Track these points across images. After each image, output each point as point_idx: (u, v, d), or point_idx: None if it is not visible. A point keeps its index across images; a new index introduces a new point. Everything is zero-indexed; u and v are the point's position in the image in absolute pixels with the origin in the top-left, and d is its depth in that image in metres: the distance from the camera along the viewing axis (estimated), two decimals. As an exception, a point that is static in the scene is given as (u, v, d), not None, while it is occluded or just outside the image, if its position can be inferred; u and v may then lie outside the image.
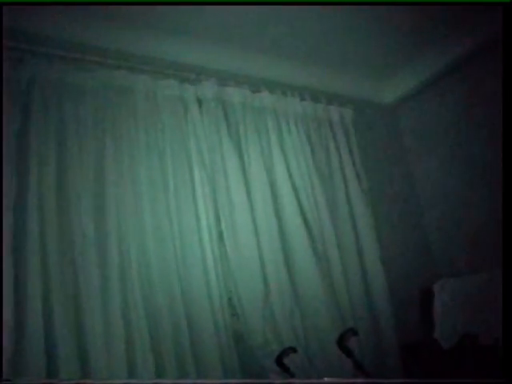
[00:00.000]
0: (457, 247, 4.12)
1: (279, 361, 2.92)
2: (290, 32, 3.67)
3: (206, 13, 3.33)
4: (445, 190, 4.26)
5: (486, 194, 3.95)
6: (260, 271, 3.21)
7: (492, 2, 2.73)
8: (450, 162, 4.23)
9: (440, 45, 4.13)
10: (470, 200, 4.06)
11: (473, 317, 3.44)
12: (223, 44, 3.62)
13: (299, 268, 3.38)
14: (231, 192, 3.31)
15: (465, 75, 4.17)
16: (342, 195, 3.82)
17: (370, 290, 3.67)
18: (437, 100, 4.37)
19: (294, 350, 3.00)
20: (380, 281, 3.71)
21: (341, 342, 3.06)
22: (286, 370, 2.91)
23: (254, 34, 3.61)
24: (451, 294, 3.60)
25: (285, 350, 2.97)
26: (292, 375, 2.88)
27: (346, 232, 3.74)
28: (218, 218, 3.21)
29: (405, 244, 4.19)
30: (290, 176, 3.59)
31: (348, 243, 3.70)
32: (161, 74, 3.29)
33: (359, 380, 2.99)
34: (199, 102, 3.40)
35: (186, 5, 3.07)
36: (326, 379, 2.87)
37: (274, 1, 2.99)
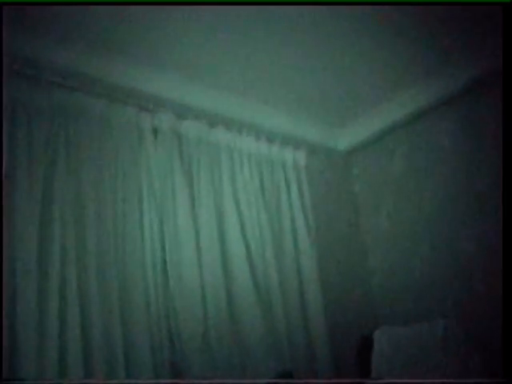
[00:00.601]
0: (399, 296, 4.16)
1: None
2: (251, 71, 3.73)
3: (171, 44, 3.35)
4: (390, 239, 4.33)
5: (429, 245, 4.04)
6: (201, 305, 3.22)
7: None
8: (397, 213, 4.31)
9: (396, 99, 4.28)
10: (414, 250, 4.14)
11: (410, 365, 3.46)
12: (184, 76, 3.64)
13: (240, 306, 3.41)
14: (178, 224, 3.33)
15: (416, 130, 4.31)
16: (289, 237, 3.88)
17: (310, 332, 3.71)
18: (388, 151, 4.48)
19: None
20: (321, 324, 3.76)
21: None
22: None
23: (217, 70, 3.65)
24: (390, 342, 3.63)
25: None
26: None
27: (289, 273, 3.80)
28: (164, 247, 3.20)
29: (348, 289, 4.23)
30: (239, 214, 3.63)
31: (291, 284, 3.76)
32: (118, 101, 3.29)
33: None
34: (155, 132, 3.42)
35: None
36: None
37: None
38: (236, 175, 3.75)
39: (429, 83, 4.06)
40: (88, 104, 3.16)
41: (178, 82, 3.65)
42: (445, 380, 2.97)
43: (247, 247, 3.57)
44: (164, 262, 3.19)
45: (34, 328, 2.54)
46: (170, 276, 3.17)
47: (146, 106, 3.44)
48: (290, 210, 3.96)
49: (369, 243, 4.50)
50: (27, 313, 2.56)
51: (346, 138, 4.69)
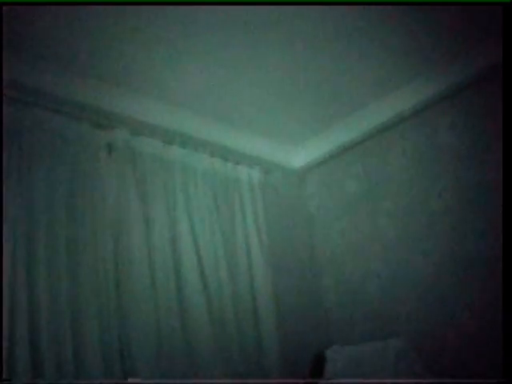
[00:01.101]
0: (353, 315, 4.21)
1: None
2: (206, 88, 3.76)
3: (126, 61, 3.38)
4: (344, 257, 4.38)
5: (384, 263, 4.10)
6: (154, 326, 3.22)
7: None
8: (351, 232, 4.36)
9: (350, 118, 4.37)
10: (368, 269, 4.20)
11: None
12: (138, 93, 3.66)
13: (193, 324, 3.42)
14: (131, 241, 3.32)
15: (370, 149, 4.39)
16: (242, 255, 3.91)
17: (263, 350, 3.73)
18: (342, 170, 4.54)
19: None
20: (274, 342, 3.78)
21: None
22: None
23: (172, 87, 3.67)
24: (343, 360, 3.66)
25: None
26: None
27: (243, 291, 3.82)
28: (117, 266, 3.19)
29: (302, 307, 4.26)
30: (193, 231, 3.65)
31: (245, 302, 3.78)
32: (73, 116, 3.28)
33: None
34: (109, 147, 3.41)
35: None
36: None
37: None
38: (190, 192, 3.76)
39: (380, 104, 4.16)
40: (43, 118, 3.15)
41: (133, 99, 3.67)
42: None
43: (200, 265, 3.58)
44: (117, 282, 3.18)
45: None
46: (122, 293, 3.16)
47: (100, 121, 3.43)
48: (244, 227, 3.99)
49: (323, 262, 4.53)
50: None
51: (301, 156, 4.75)
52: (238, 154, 4.24)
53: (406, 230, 4.03)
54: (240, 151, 4.28)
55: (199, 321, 3.41)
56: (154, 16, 3.05)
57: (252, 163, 4.27)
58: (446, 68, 3.83)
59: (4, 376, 2.33)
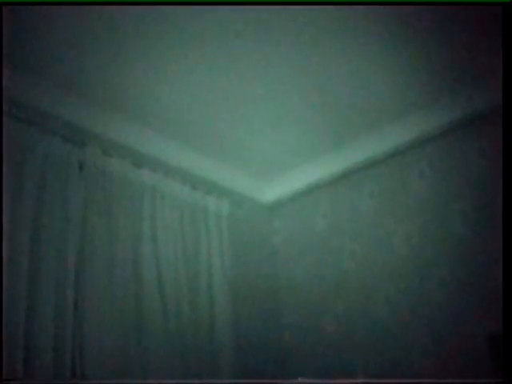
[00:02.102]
0: (311, 351, 4.24)
1: None
2: (181, 115, 3.83)
3: (104, 79, 3.42)
4: (305, 295, 4.41)
5: (343, 303, 4.16)
6: (111, 343, 3.21)
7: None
8: (316, 270, 4.39)
9: (321, 158, 4.48)
10: (327, 308, 4.26)
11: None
12: (114, 113, 3.69)
13: (150, 344, 3.42)
14: (94, 259, 3.31)
15: (339, 190, 4.48)
16: (204, 284, 3.93)
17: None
18: (311, 208, 4.60)
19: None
20: (231, 375, 3.75)
21: None
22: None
23: (148, 110, 3.72)
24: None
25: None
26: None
27: (203, 322, 3.82)
28: (78, 282, 3.20)
29: (261, 339, 4.28)
30: (156, 256, 3.67)
31: (204, 331, 3.79)
32: (45, 130, 3.28)
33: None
34: (81, 165, 3.41)
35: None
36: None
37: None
38: (157, 217, 3.79)
39: (356, 144, 4.23)
40: (13, 128, 3.14)
41: (108, 118, 3.71)
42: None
43: (161, 289, 3.61)
44: (76, 302, 3.17)
45: None
46: (82, 316, 3.15)
47: (73, 137, 3.45)
48: (209, 256, 4.02)
49: (285, 297, 4.56)
50: None
51: (271, 191, 4.82)
52: (209, 183, 4.31)
53: (368, 272, 4.11)
54: (210, 181, 4.35)
55: (156, 345, 3.41)
56: (136, 35, 3.10)
57: (221, 194, 4.32)
58: (417, 117, 3.95)
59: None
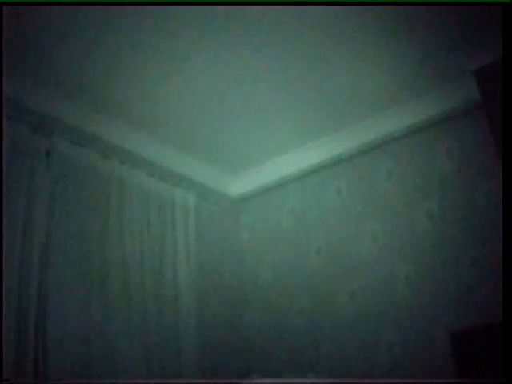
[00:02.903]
0: (273, 348, 4.27)
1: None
2: (152, 106, 3.82)
3: (72, 68, 3.39)
4: (270, 291, 4.46)
5: (308, 299, 4.21)
6: (76, 332, 3.23)
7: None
8: (281, 266, 4.43)
9: (291, 152, 4.51)
10: (292, 304, 4.29)
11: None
12: (83, 101, 3.66)
13: (115, 336, 3.43)
14: (60, 252, 3.34)
15: (306, 186, 4.53)
16: (169, 275, 3.95)
17: (183, 375, 3.71)
18: (278, 204, 4.64)
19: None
20: (192, 371, 3.79)
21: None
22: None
23: (118, 100, 3.70)
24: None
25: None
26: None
27: (167, 315, 3.84)
28: (42, 272, 3.18)
29: (224, 334, 4.31)
30: (122, 246, 3.67)
31: (167, 325, 3.80)
32: (11, 118, 3.24)
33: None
34: (48, 154, 3.39)
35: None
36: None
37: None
38: (124, 208, 3.79)
39: (324, 141, 4.28)
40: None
41: (76, 108, 3.68)
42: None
43: (126, 279, 3.62)
44: (41, 283, 3.16)
45: None
46: (43, 298, 3.15)
47: (40, 126, 3.42)
48: (174, 249, 4.05)
49: (250, 293, 4.58)
50: None
51: (238, 186, 4.83)
52: (176, 175, 4.32)
53: (334, 268, 4.16)
54: (178, 173, 4.35)
55: (121, 337, 3.42)
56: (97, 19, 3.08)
57: (189, 187, 4.34)
58: (385, 115, 4.01)
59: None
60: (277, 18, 3.11)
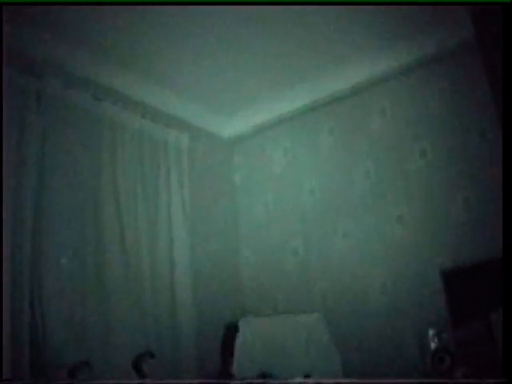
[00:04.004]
0: (268, 288, 4.35)
1: (71, 373, 2.87)
2: (141, 47, 3.77)
3: (64, 12, 3.32)
4: (264, 231, 4.51)
5: (303, 240, 4.28)
6: (69, 285, 3.26)
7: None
8: (275, 206, 4.47)
9: (283, 94, 4.47)
10: (286, 245, 4.35)
11: (271, 357, 3.58)
12: (74, 43, 3.62)
13: (110, 289, 3.46)
14: (53, 194, 3.32)
15: (299, 127, 4.54)
16: (163, 216, 3.98)
17: (177, 317, 3.79)
18: (271, 145, 4.63)
19: (87, 363, 2.95)
20: (188, 310, 3.89)
21: (136, 363, 3.05)
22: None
23: (110, 42, 3.65)
24: (254, 331, 3.74)
25: (78, 364, 2.91)
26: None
27: (162, 257, 3.91)
28: (36, 219, 3.19)
29: (218, 275, 4.37)
30: (115, 188, 3.69)
31: (163, 268, 3.87)
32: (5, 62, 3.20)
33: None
34: (39, 96, 3.37)
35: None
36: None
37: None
38: (116, 149, 3.80)
39: (317, 81, 4.25)
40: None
41: (67, 49, 3.65)
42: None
43: (120, 220, 3.65)
44: (35, 231, 3.18)
45: None
46: (38, 254, 3.17)
47: (31, 68, 3.40)
48: (168, 190, 4.08)
49: (244, 233, 4.63)
50: None
51: (231, 126, 4.83)
52: (169, 117, 4.31)
53: (327, 207, 4.22)
54: (171, 115, 4.34)
55: (116, 286, 3.48)
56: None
57: (182, 128, 4.34)
58: (378, 55, 3.99)
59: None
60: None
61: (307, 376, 3.27)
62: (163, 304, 3.77)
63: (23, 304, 3.01)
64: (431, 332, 3.28)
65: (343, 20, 3.64)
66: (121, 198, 3.69)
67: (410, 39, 3.84)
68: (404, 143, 3.90)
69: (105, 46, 3.69)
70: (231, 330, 3.87)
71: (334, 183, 4.20)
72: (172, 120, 4.30)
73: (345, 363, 3.28)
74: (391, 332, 3.67)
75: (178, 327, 3.78)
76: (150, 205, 3.91)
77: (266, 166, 4.66)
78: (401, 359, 3.58)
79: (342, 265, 4.00)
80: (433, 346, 3.26)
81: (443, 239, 3.58)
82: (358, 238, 3.97)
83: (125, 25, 3.54)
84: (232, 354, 3.74)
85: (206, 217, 4.48)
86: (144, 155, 3.98)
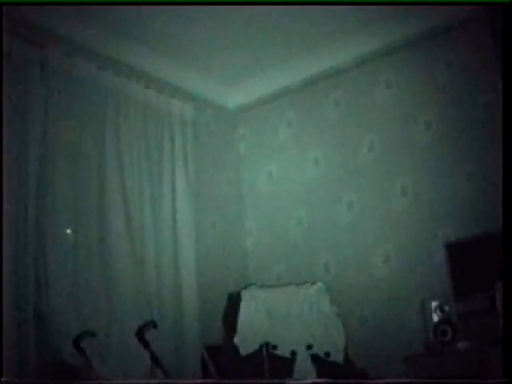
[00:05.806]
0: (272, 258, 4.34)
1: (76, 343, 2.90)
2: (147, 19, 3.75)
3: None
4: (268, 201, 4.51)
5: (306, 210, 4.28)
6: (72, 255, 3.27)
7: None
8: (279, 176, 4.46)
9: (289, 64, 4.42)
10: (291, 214, 4.35)
11: (274, 327, 3.60)
12: (78, 13, 3.58)
13: (113, 256, 3.49)
14: (57, 165, 3.31)
15: (303, 98, 4.50)
16: (167, 186, 3.98)
17: (181, 287, 3.81)
18: (275, 116, 4.62)
19: (92, 334, 2.99)
20: (191, 279, 3.92)
21: (140, 332, 3.08)
22: (82, 354, 2.89)
23: (115, 12, 3.61)
24: (257, 302, 3.76)
25: (83, 333, 2.95)
26: (88, 359, 2.88)
27: (165, 226, 3.91)
28: (39, 194, 3.19)
29: (223, 247, 4.38)
30: (119, 160, 3.68)
31: (165, 237, 3.88)
32: (6, 30, 3.18)
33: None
34: (41, 65, 3.36)
35: None
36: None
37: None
38: (120, 120, 3.78)
39: (323, 52, 4.20)
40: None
41: (69, 19, 3.62)
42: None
43: (124, 194, 3.64)
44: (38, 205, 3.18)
45: None
46: (42, 226, 3.17)
47: (34, 38, 3.36)
48: (172, 160, 4.06)
49: (247, 204, 4.62)
50: None
51: (235, 97, 4.80)
52: (173, 87, 4.27)
53: (330, 178, 4.20)
54: (175, 85, 4.31)
55: (119, 253, 3.50)
56: None
57: (186, 98, 4.30)
58: (384, 26, 3.94)
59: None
60: None
61: (310, 346, 3.32)
62: (167, 274, 3.79)
63: (28, 276, 3.03)
64: (434, 304, 3.31)
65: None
66: (125, 169, 3.69)
67: (415, 11, 3.79)
68: (409, 115, 3.88)
69: (109, 15, 3.66)
70: (234, 301, 3.88)
71: (338, 154, 4.18)
72: (176, 91, 4.26)
73: (347, 334, 3.31)
74: (394, 303, 3.70)
75: (181, 298, 3.80)
76: (154, 176, 3.91)
77: (271, 136, 4.63)
78: (403, 331, 3.61)
79: (345, 235, 4.02)
80: (435, 318, 3.29)
81: (447, 211, 3.59)
82: (361, 208, 3.97)
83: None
84: (235, 325, 3.77)
85: (210, 187, 4.47)
86: (148, 126, 3.96)
